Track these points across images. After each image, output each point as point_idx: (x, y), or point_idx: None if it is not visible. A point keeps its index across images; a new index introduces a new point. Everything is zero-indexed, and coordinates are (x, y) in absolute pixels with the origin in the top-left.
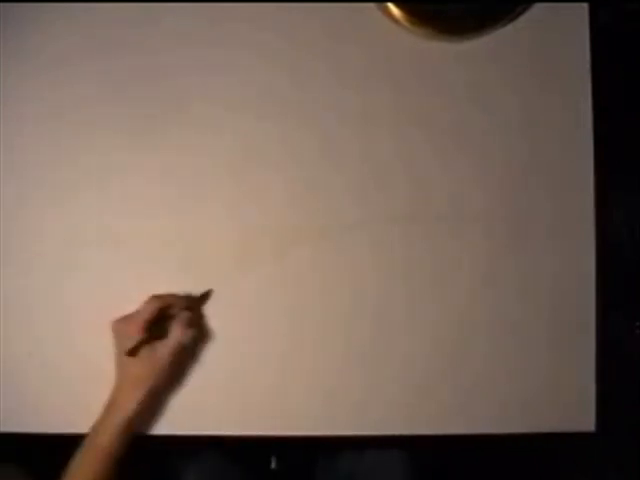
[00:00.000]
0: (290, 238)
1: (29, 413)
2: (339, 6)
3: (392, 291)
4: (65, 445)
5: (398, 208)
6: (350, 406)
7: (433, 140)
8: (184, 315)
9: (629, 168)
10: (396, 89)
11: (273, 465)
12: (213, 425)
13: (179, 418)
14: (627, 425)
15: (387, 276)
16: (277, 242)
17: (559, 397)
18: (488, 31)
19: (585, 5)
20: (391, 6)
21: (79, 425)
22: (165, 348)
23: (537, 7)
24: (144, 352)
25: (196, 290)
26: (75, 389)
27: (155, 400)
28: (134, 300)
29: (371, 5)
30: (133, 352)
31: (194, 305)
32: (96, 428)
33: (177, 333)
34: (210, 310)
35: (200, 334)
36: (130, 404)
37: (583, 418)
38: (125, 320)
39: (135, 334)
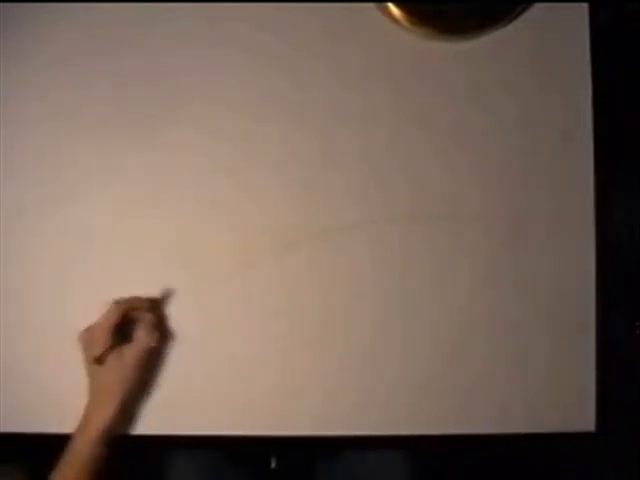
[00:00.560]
0: (290, 238)
1: (29, 413)
2: (339, 6)
3: (392, 291)
4: (65, 445)
5: (398, 208)
6: (350, 406)
7: (433, 140)
8: (148, 318)
9: (629, 168)
10: (396, 89)
11: (273, 465)
12: (213, 425)
13: (179, 418)
14: (627, 425)
15: (386, 276)
16: (277, 242)
17: (559, 397)
18: (488, 31)
19: (585, 5)
20: (391, 6)
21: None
22: (132, 352)
23: (537, 7)
24: (112, 359)
25: (196, 290)
26: (75, 389)
27: (131, 403)
28: None
29: (371, 5)
30: (100, 360)
31: (157, 307)
32: (75, 440)
33: (142, 336)
34: (210, 310)
35: (201, 334)
36: (105, 414)
37: (583, 418)
38: (90, 329)
39: (101, 341)
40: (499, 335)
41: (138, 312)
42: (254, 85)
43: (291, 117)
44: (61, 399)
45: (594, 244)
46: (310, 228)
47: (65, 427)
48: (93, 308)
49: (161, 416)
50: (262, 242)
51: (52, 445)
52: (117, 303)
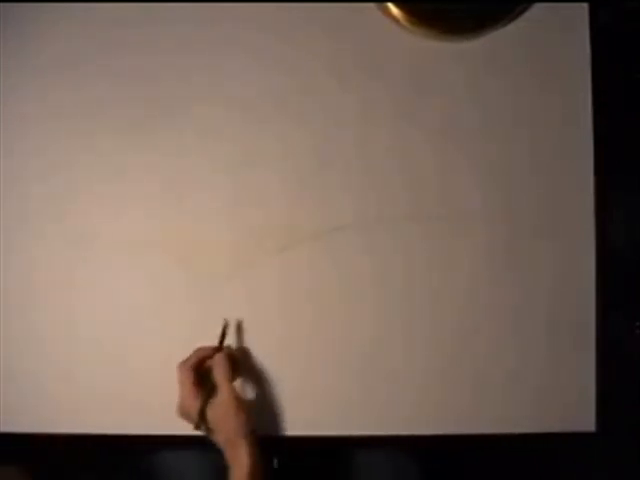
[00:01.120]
0: (289, 238)
1: (29, 413)
2: (339, 6)
3: (391, 291)
4: (65, 445)
5: (397, 208)
6: (351, 406)
7: (432, 140)
8: (224, 364)
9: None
10: (396, 89)
11: (275, 465)
12: None
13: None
14: (627, 425)
15: (386, 276)
16: (276, 242)
17: (559, 397)
18: (488, 31)
19: (585, 5)
20: (391, 6)
21: (80, 425)
22: (222, 395)
23: (537, 7)
24: (213, 408)
25: (196, 290)
26: (76, 389)
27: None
28: (135, 299)
29: (371, 5)
30: (197, 427)
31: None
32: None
33: (220, 378)
34: (209, 310)
35: (201, 335)
36: (243, 458)
37: (583, 418)
38: (181, 405)
39: (193, 407)
40: (499, 335)
41: (208, 359)
42: (254, 85)
43: (290, 117)
44: (61, 399)
45: (594, 244)
46: (309, 228)
47: (65, 427)
48: (93, 307)
49: (163, 416)
50: (261, 242)
51: (52, 445)
52: (182, 363)
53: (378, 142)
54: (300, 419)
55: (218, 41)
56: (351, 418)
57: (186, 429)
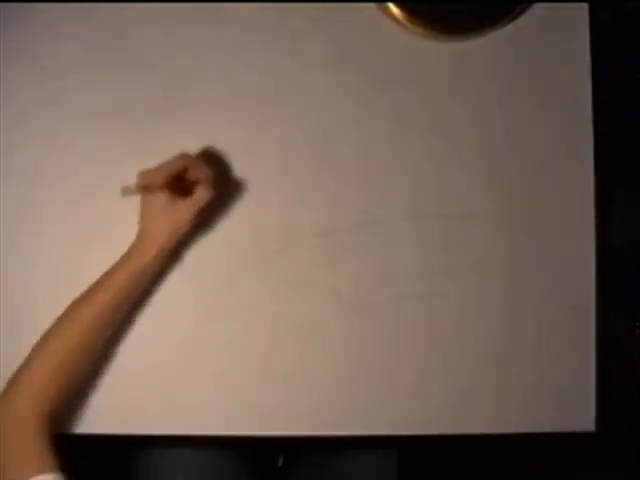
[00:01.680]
0: (290, 239)
1: None
2: (339, 6)
3: (391, 291)
4: (65, 445)
5: (397, 208)
6: (351, 406)
7: (432, 140)
8: (208, 174)
9: (629, 168)
10: (396, 89)
11: (280, 462)
12: (221, 424)
13: (186, 418)
14: (627, 425)
15: (387, 276)
16: (278, 242)
17: (559, 397)
18: (488, 31)
19: (585, 5)
20: (391, 6)
21: (80, 425)
22: (188, 206)
23: (537, 7)
24: (165, 208)
25: (198, 291)
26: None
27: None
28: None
29: (371, 5)
30: (147, 189)
31: (217, 163)
32: (112, 268)
33: (200, 192)
34: (215, 311)
35: (207, 335)
36: (147, 255)
37: (583, 418)
38: (150, 169)
39: (153, 175)
40: (499, 335)
41: (197, 169)
42: (254, 87)
43: (290, 117)
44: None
45: (594, 244)
46: (310, 229)
47: (64, 427)
48: None
49: (167, 416)
50: (263, 242)
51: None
52: (185, 154)
53: (378, 141)
54: (307, 417)
55: (217, 43)
56: (354, 419)
57: (197, 430)
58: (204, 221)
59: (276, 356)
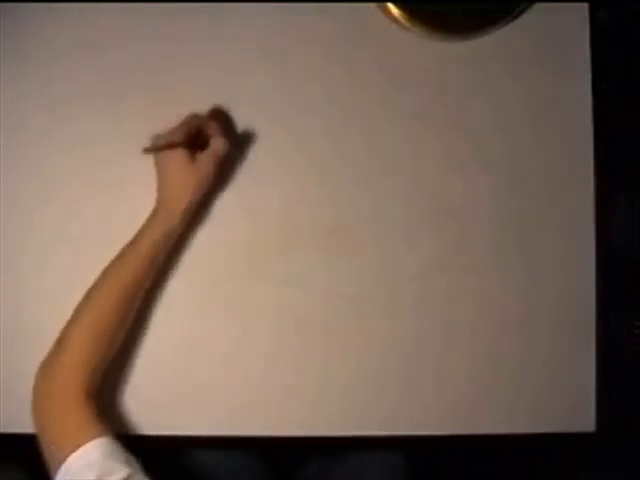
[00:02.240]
0: (297, 236)
1: (29, 413)
2: (339, 6)
3: (391, 291)
4: None
5: (399, 207)
6: (353, 407)
7: (432, 140)
8: (219, 127)
9: (629, 168)
10: (396, 89)
11: (285, 463)
12: (221, 425)
13: (191, 419)
14: (627, 425)
15: (390, 275)
16: (283, 241)
17: (559, 397)
18: (488, 31)
19: (585, 5)
20: (391, 6)
21: None
22: (207, 157)
23: (537, 7)
24: (186, 164)
25: (201, 289)
26: None
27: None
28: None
29: (371, 5)
30: (169, 145)
31: (223, 117)
32: (136, 237)
33: (217, 143)
34: (216, 310)
35: (207, 334)
36: (172, 218)
37: (583, 418)
38: (166, 131)
39: (177, 137)
40: (499, 335)
41: (209, 125)
42: (259, 83)
43: (291, 117)
44: None
45: (594, 244)
46: (317, 226)
47: None
48: None
49: (172, 417)
50: (269, 240)
51: None
52: (195, 115)
53: (378, 141)
54: (308, 419)
55: (221, 39)
56: (355, 419)
57: (202, 430)
58: (222, 178)
59: (276, 356)
